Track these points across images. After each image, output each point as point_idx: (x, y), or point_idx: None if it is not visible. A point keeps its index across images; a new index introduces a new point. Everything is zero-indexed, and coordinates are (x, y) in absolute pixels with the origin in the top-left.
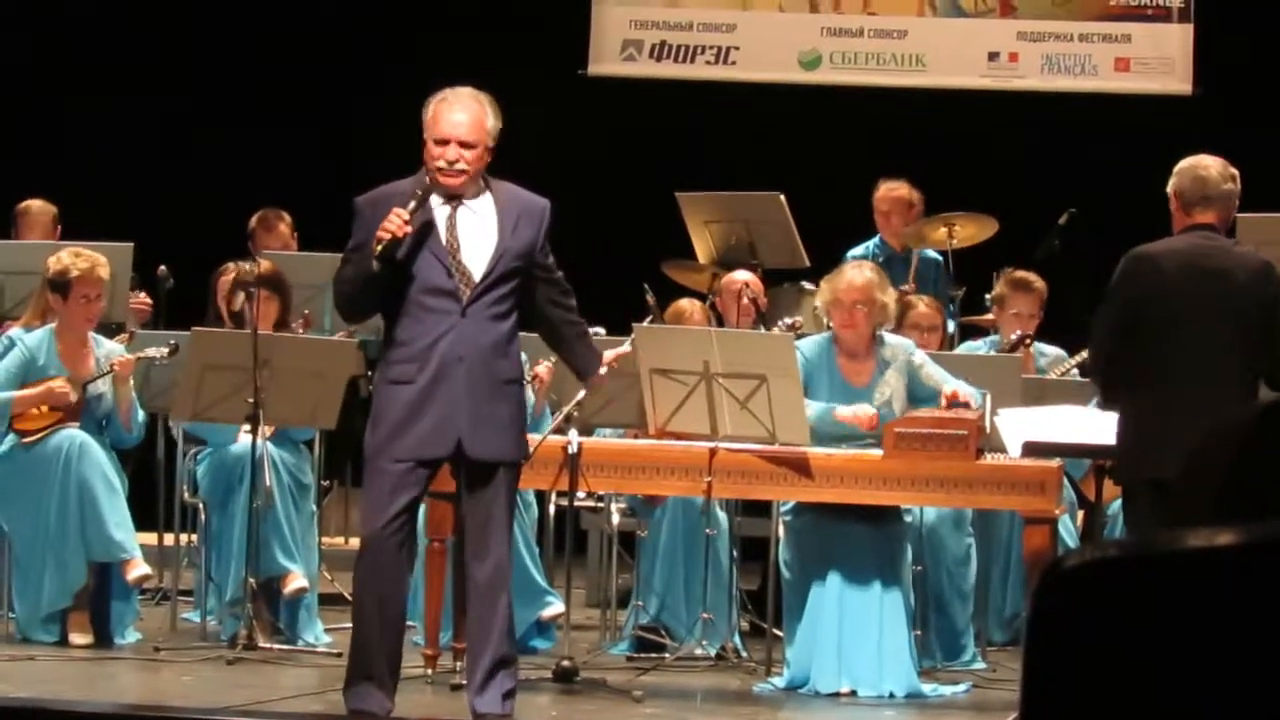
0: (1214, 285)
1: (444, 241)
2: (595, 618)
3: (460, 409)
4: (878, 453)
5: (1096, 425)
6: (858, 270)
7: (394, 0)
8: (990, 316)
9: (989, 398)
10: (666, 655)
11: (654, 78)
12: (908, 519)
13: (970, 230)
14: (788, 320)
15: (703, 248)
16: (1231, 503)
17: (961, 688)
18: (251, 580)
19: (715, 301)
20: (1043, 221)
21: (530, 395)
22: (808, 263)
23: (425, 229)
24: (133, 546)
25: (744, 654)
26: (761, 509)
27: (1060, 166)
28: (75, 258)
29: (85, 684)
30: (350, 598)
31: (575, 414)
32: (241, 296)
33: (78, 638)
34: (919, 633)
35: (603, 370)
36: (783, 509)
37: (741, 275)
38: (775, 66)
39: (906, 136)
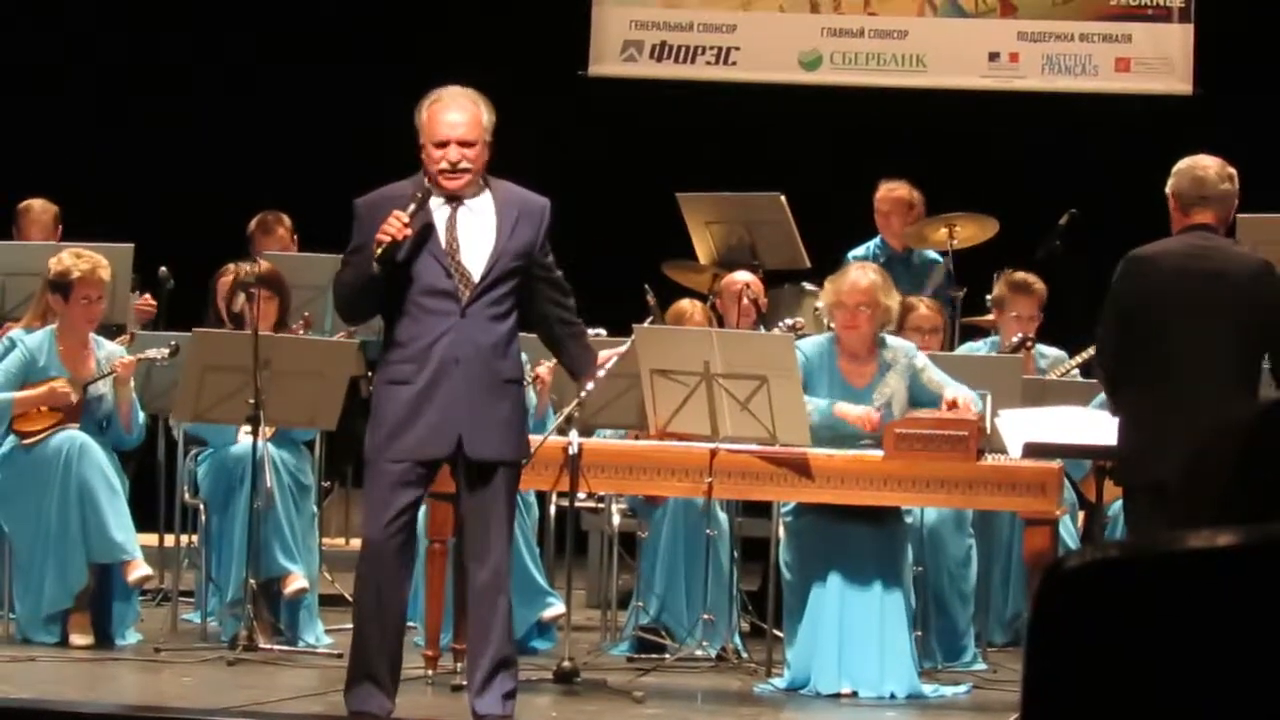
0: (1211, 285)
1: (443, 242)
2: (596, 618)
3: (460, 409)
4: (878, 454)
5: (1097, 426)
6: (861, 272)
7: (394, 0)
8: (991, 317)
9: (989, 399)
10: (667, 656)
11: (654, 78)
12: (908, 520)
13: (971, 231)
14: (789, 321)
15: (703, 248)
16: (1232, 503)
17: (962, 689)
18: (252, 581)
19: (715, 302)
20: (1043, 222)
21: (532, 396)
22: (808, 263)
23: (425, 231)
24: (133, 548)
25: (744, 655)
26: (762, 510)
27: (1061, 167)
28: (76, 259)
29: (86, 685)
30: (351, 599)
31: (576, 415)
32: (242, 297)
33: (78, 639)
34: (920, 634)
35: (600, 373)
36: (783, 510)
37: (742, 276)
38: (776, 67)
39: (907, 137)
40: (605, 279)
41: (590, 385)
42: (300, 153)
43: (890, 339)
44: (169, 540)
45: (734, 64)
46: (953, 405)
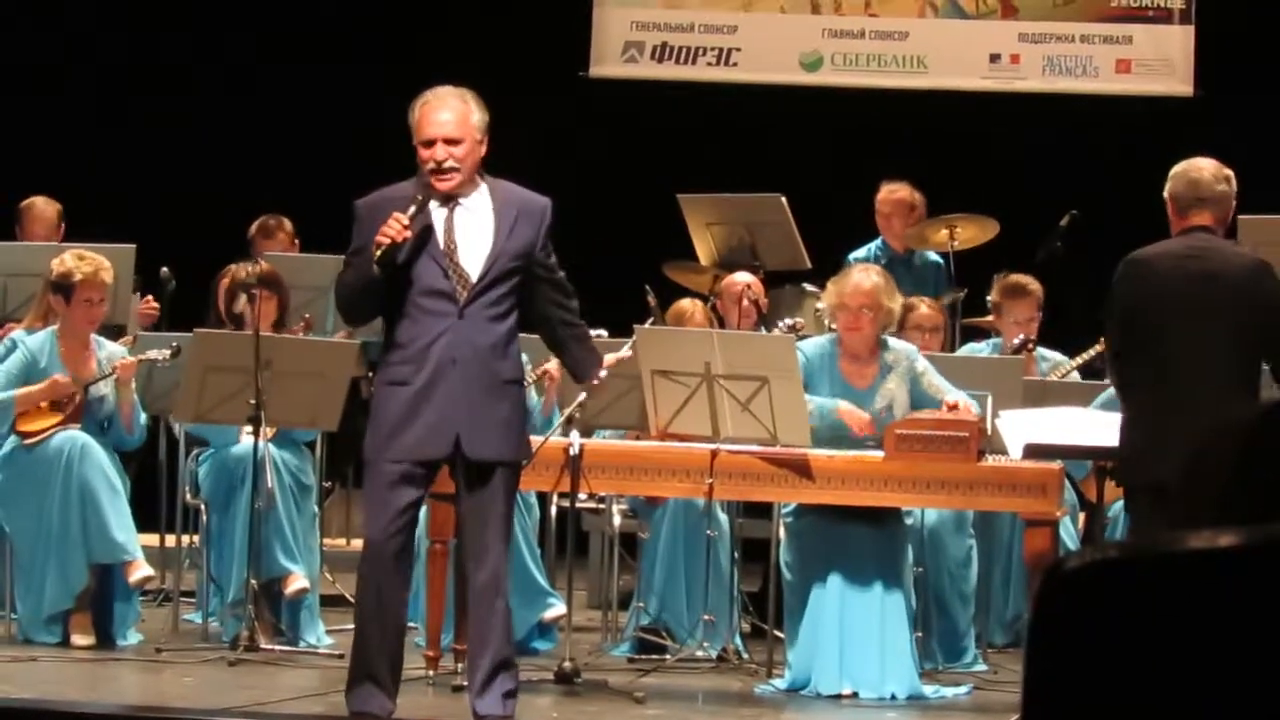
0: (1207, 287)
1: (441, 243)
2: (596, 619)
3: (458, 409)
4: (879, 454)
5: (1097, 427)
6: (864, 274)
7: (394, 0)
8: (991, 319)
9: (990, 400)
10: (668, 657)
11: (655, 79)
12: (909, 521)
13: (971, 232)
14: (789, 320)
15: (704, 249)
16: (1233, 503)
17: (963, 689)
18: (253, 581)
19: (716, 303)
20: (1044, 223)
21: (534, 396)
22: (809, 264)
23: (424, 232)
24: (135, 548)
25: (745, 655)
26: (763, 510)
27: (1061, 168)
28: (79, 261)
29: (87, 685)
30: (352, 599)
31: (577, 415)
32: (243, 298)
33: (80, 639)
34: (920, 634)
35: (602, 373)
36: (784, 510)
37: (742, 277)
38: (777, 68)
39: (908, 138)
40: (606, 280)
41: (594, 384)
42: (300, 153)
43: (892, 341)
44: (170, 540)
45: (735, 65)
46: (953, 409)
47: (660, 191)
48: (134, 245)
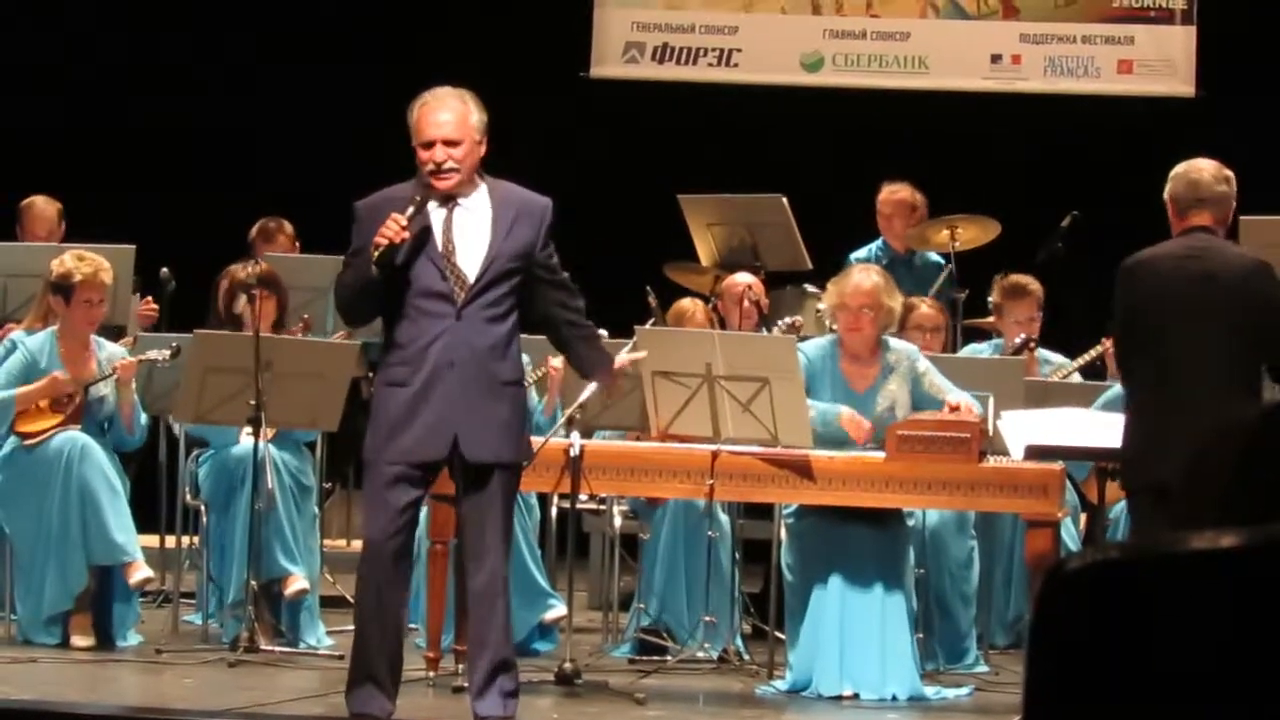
0: (1205, 287)
1: (439, 245)
2: (597, 620)
3: (456, 411)
4: (880, 455)
5: (1099, 428)
6: (865, 274)
7: (394, 0)
8: (993, 319)
9: (992, 400)
10: (668, 658)
11: (656, 80)
12: (910, 522)
13: (973, 233)
14: (788, 319)
15: (705, 250)
16: (1234, 504)
17: (964, 691)
18: (253, 582)
19: (717, 304)
20: (1045, 224)
21: (535, 396)
22: (810, 265)
23: (422, 233)
24: (134, 549)
25: (746, 656)
26: (764, 511)
27: (1063, 168)
28: (78, 261)
29: (87, 686)
30: (352, 600)
31: (577, 416)
32: (243, 299)
33: (79, 640)
34: (921, 635)
35: (627, 361)
36: (785, 511)
37: (743, 278)
38: (777, 69)
39: (909, 139)
40: (607, 280)
41: (593, 386)
42: (300, 153)
43: (893, 341)
44: (170, 541)
45: (736, 66)
46: (954, 409)
47: (661, 192)
48: (134, 246)
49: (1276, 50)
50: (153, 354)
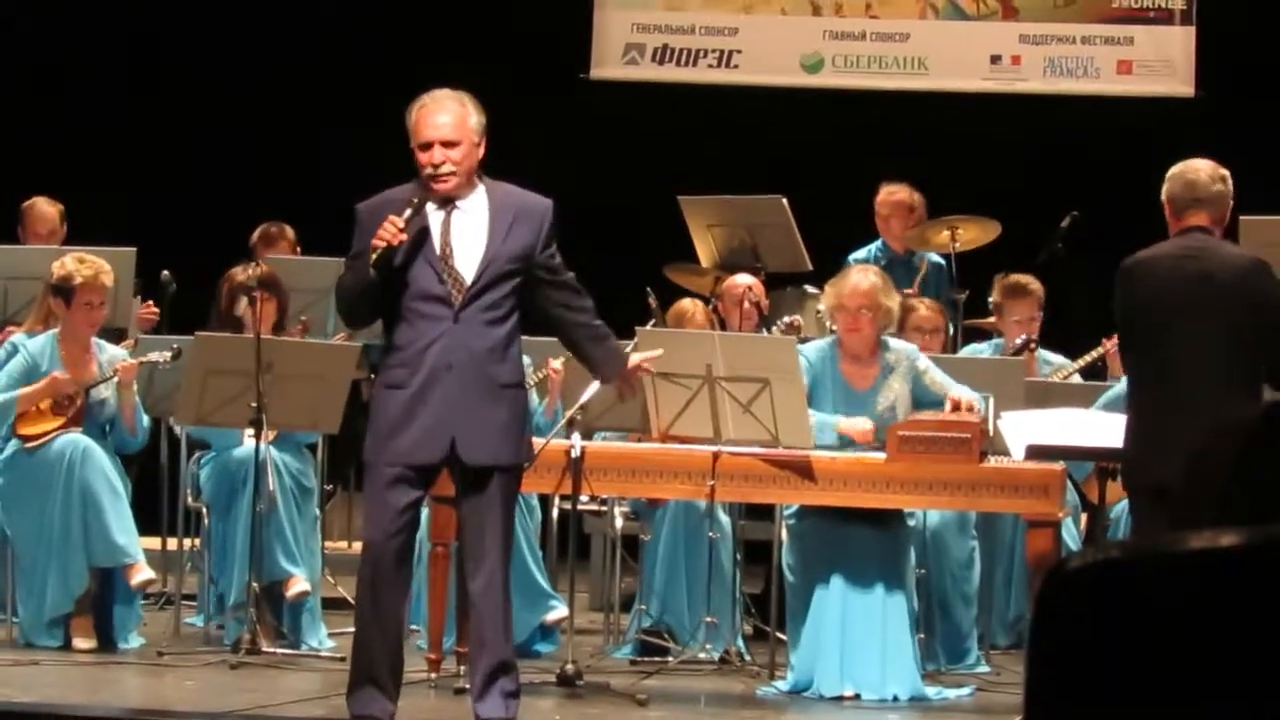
0: (1202, 287)
1: (437, 247)
2: (598, 621)
3: (454, 413)
4: (881, 456)
5: (1099, 428)
6: (862, 274)
7: (394, 0)
8: (993, 320)
9: (992, 401)
10: (670, 659)
11: (656, 81)
12: (911, 522)
13: (973, 233)
14: (787, 319)
15: (705, 251)
16: (1233, 504)
17: (965, 691)
18: (254, 584)
19: (717, 305)
20: (1045, 224)
21: (535, 398)
22: (810, 266)
23: (421, 236)
24: (136, 551)
25: (747, 657)
26: (764, 512)
27: (1062, 169)
28: (79, 264)
29: (89, 689)
30: (353, 602)
31: (578, 418)
32: (243, 301)
33: (81, 642)
34: (923, 636)
35: (635, 369)
36: (786, 512)
37: (743, 279)
38: (777, 70)
39: (909, 139)
40: (607, 281)
41: (595, 386)
42: (300, 154)
43: (892, 341)
44: (171, 544)
45: (736, 67)
46: (957, 406)
47: (661, 193)
48: (134, 248)
49: (1276, 50)
50: (154, 356)
